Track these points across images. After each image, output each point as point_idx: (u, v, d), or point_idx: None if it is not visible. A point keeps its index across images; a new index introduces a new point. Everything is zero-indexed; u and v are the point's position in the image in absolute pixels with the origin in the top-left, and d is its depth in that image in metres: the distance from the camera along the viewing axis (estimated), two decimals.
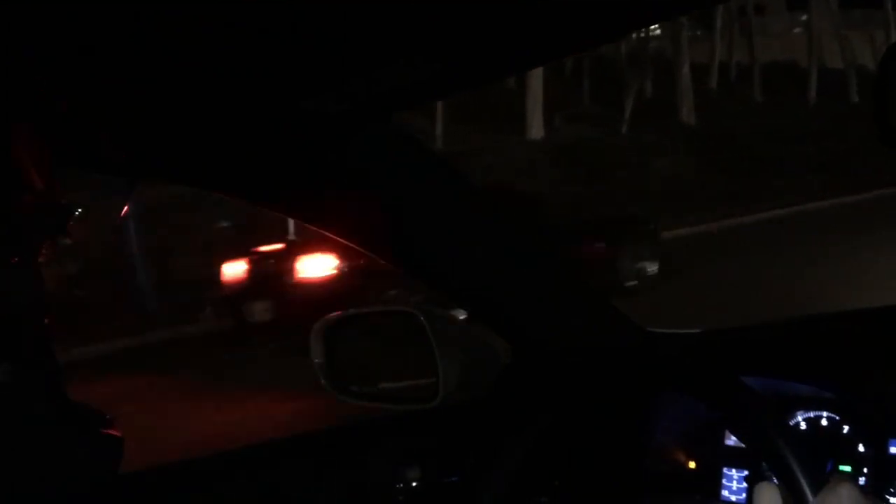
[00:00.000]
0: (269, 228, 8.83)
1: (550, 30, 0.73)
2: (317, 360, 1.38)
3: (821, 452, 1.18)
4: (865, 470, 1.15)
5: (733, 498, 1.26)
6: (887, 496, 1.12)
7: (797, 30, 27.17)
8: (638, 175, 17.10)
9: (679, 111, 20.07)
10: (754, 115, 20.92)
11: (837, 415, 1.19)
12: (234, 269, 9.01)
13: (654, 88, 21.68)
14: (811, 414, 1.21)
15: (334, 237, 1.18)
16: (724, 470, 1.28)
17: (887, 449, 1.13)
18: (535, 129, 17.97)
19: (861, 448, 1.16)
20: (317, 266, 8.33)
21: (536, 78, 17.19)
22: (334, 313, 1.39)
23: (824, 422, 1.20)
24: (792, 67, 24.97)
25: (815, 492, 0.96)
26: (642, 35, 20.97)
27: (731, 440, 1.29)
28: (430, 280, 1.26)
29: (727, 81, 24.19)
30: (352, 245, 1.20)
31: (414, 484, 1.33)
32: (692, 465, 1.32)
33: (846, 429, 1.18)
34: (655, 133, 18.69)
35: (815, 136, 19.42)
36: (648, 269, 9.84)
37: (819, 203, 16.68)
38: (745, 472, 1.26)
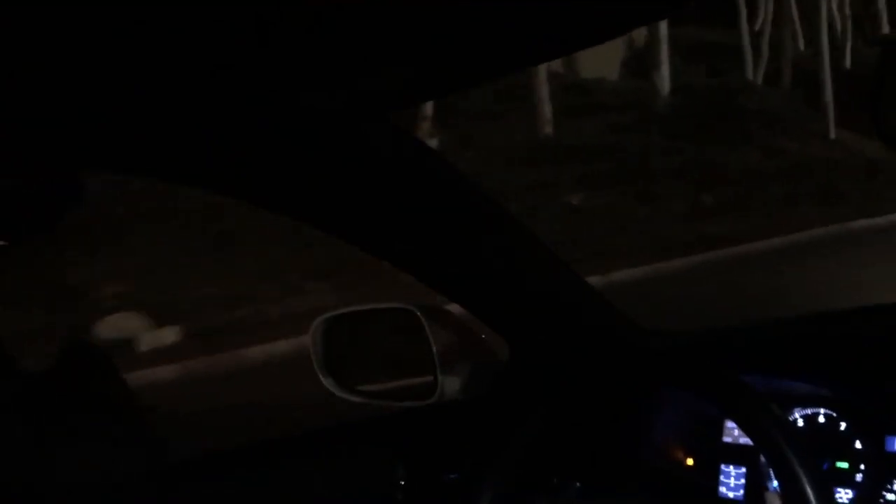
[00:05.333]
0: None
1: (548, 29, 0.73)
2: (316, 358, 1.38)
3: (818, 449, 1.18)
4: (862, 467, 1.16)
5: (731, 495, 1.27)
6: (884, 493, 1.12)
7: None
8: None
9: None
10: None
11: (835, 412, 1.20)
12: None
13: None
14: (809, 411, 1.22)
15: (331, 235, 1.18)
16: (722, 466, 1.28)
17: (884, 446, 1.14)
18: None
19: (858, 445, 1.17)
20: None
21: None
22: (333, 311, 1.39)
23: (822, 419, 1.21)
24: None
25: (815, 488, 0.97)
26: None
27: (729, 437, 1.29)
28: (429, 278, 1.26)
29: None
30: (348, 243, 1.20)
31: (413, 482, 1.33)
32: (690, 461, 1.32)
33: (843, 426, 1.19)
34: None
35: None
36: None
37: None
38: (743, 469, 1.26)
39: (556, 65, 14.31)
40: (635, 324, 1.36)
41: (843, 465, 1.17)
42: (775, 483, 1.22)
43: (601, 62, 15.04)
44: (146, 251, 8.50)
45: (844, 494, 1.16)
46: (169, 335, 7.30)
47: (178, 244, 8.71)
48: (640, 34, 14.99)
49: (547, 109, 13.35)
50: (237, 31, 0.68)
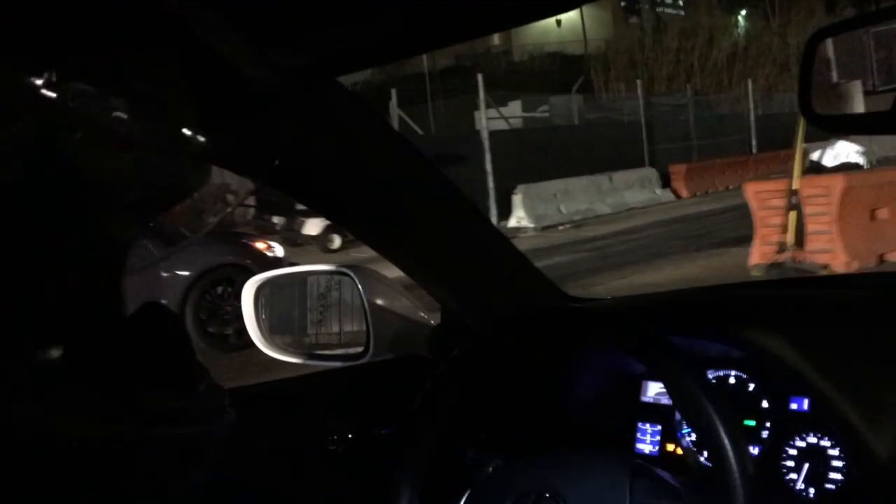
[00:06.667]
0: None
1: None
2: (247, 317, 1.39)
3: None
4: (768, 424, 1.25)
5: (647, 450, 1.35)
6: (787, 448, 1.22)
7: None
8: None
9: None
10: None
11: (744, 373, 1.29)
12: None
13: None
14: (721, 372, 1.30)
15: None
16: (639, 424, 1.36)
17: (788, 405, 1.23)
18: None
19: (764, 404, 1.26)
20: None
21: None
22: (267, 272, 1.40)
23: (732, 380, 1.29)
24: None
25: (732, 443, 1.04)
26: None
27: (647, 397, 1.37)
28: (364, 234, 1.27)
29: None
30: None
31: (347, 436, 1.36)
32: (609, 420, 1.39)
33: (752, 386, 1.28)
34: None
35: None
36: None
37: None
38: (659, 427, 1.34)
39: None
40: (561, 291, 1.42)
41: (751, 422, 1.26)
42: (689, 439, 1.30)
43: None
44: None
45: (751, 450, 1.25)
46: None
47: None
48: None
49: None
50: None
